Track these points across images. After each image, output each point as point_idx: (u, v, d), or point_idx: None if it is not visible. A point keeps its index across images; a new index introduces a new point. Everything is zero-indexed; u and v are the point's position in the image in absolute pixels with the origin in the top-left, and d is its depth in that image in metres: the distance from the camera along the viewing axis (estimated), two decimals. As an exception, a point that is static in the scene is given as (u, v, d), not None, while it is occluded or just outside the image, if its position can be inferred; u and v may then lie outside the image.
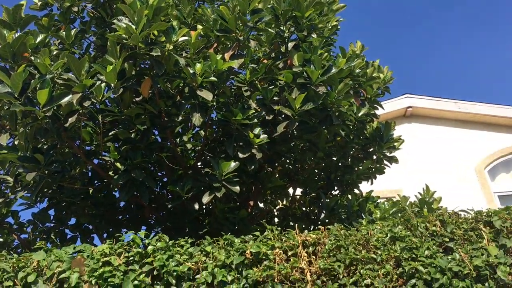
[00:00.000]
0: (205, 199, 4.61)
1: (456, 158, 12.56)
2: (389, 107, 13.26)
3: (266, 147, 5.00)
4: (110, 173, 5.19)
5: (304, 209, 7.06)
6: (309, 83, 4.77)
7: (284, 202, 6.95)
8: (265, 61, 5.43)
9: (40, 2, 5.35)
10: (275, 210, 7.05)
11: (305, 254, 3.62)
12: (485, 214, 3.75)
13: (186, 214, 5.35)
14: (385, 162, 7.62)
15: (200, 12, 5.14)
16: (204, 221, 5.59)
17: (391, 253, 3.56)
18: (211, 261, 3.69)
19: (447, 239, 3.62)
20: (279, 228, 3.87)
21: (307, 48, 4.87)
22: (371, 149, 7.11)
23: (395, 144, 7.88)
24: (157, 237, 3.85)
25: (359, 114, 6.19)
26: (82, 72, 4.12)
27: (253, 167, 4.84)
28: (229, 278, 3.57)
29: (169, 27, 4.20)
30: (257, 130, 4.83)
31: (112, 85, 4.12)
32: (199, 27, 4.92)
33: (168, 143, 5.24)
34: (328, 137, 5.60)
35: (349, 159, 6.85)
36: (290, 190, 6.98)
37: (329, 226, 3.84)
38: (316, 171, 6.97)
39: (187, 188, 4.77)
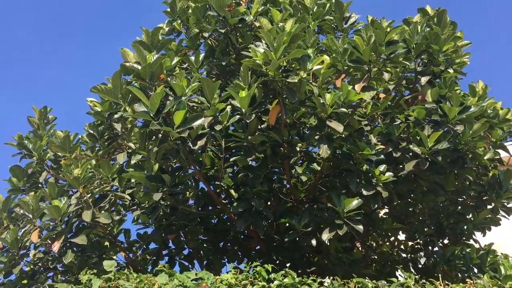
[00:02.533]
0: (325, 236, 4.36)
1: None
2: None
3: (391, 186, 4.69)
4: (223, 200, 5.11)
5: (404, 255, 6.57)
6: (445, 121, 4.44)
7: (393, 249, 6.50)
8: (382, 95, 5.17)
9: (168, 28, 5.51)
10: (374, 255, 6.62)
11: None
12: None
13: (297, 250, 5.11)
14: (502, 213, 6.99)
15: (325, 42, 5.02)
16: (314, 258, 5.32)
17: None
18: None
19: None
20: (418, 276, 3.52)
21: (442, 84, 4.57)
22: (485, 198, 6.54)
23: (517, 194, 7.23)
24: (284, 272, 3.64)
25: (484, 158, 5.71)
26: (214, 95, 4.10)
27: (376, 206, 4.54)
28: (363, 325, 3.26)
29: (305, 55, 4.10)
30: (382, 167, 4.55)
31: (244, 110, 4.04)
32: (326, 57, 4.78)
33: (284, 175, 5.08)
34: (457, 180, 5.17)
35: (459, 206, 6.32)
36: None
37: (478, 281, 3.43)
38: (426, 216, 6.49)
39: (304, 222, 4.55)
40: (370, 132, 4.98)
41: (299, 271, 4.91)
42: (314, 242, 4.56)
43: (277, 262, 5.31)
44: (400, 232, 6.47)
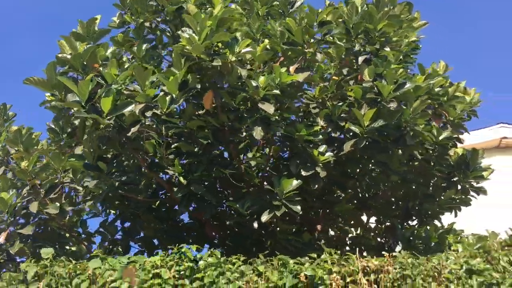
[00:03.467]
0: (264, 217, 4.40)
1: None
2: (479, 137, 12.32)
3: (331, 166, 4.71)
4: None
5: (379, 239, 6.59)
6: (380, 99, 4.45)
7: (358, 231, 6.52)
8: (335, 78, 5.20)
9: (118, 20, 5.56)
10: (347, 239, 6.63)
11: (365, 282, 3.26)
12: None
13: (248, 234, 5.16)
14: (472, 193, 6.99)
15: (269, 27, 5.05)
16: (267, 243, 5.36)
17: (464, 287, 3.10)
18: (262, 282, 3.45)
19: (534, 276, 3.10)
20: (338, 252, 3.56)
21: (379, 62, 4.57)
22: (455, 178, 6.54)
23: (484, 173, 7.22)
24: (209, 252, 3.69)
25: (440, 138, 5.70)
26: (146, 83, 4.15)
27: (316, 186, 4.57)
28: (281, 301, 3.31)
29: (232, 38, 4.13)
30: (322, 148, 4.58)
31: (174, 95, 4.09)
32: (266, 41, 4.81)
33: (233, 160, 5.12)
34: (402, 159, 5.17)
35: (431, 188, 6.32)
36: (364, 218, 6.55)
37: (395, 254, 3.45)
38: (393, 199, 6.50)
39: (247, 205, 4.59)
40: (317, 115, 5.01)
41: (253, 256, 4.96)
42: (256, 224, 4.60)
43: (234, 248, 5.37)
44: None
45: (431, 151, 6.11)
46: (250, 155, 5.34)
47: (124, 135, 4.24)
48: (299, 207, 4.35)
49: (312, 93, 5.09)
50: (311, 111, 5.12)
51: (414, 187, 6.31)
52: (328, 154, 4.56)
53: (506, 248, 5.93)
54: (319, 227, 5.90)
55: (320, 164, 4.53)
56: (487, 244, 3.36)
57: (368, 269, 3.36)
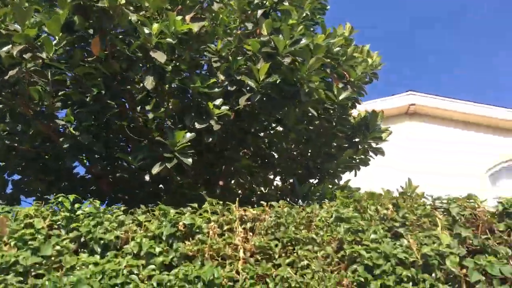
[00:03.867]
0: (155, 169, 4.32)
1: (457, 160, 12.08)
2: (390, 103, 12.87)
3: (231, 121, 4.70)
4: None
5: (285, 198, 6.75)
6: (276, 54, 4.45)
7: (265, 190, 6.64)
8: (238, 32, 5.13)
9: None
10: (255, 197, 6.73)
11: (242, 230, 3.31)
12: (444, 201, 3.40)
13: (144, 188, 5.08)
14: (371, 153, 7.29)
15: (170, -25, 4.84)
16: (163, 197, 5.31)
17: (334, 234, 3.24)
18: (141, 231, 3.41)
19: (397, 224, 3.29)
20: (220, 202, 3.57)
21: (277, 17, 4.55)
22: (356, 139, 6.79)
23: (382, 135, 7.54)
24: (88, 202, 3.58)
25: (340, 98, 5.85)
26: (26, 22, 3.85)
27: (211, 139, 4.54)
28: (157, 249, 3.28)
29: (122, -20, 3.91)
30: (218, 101, 4.54)
31: (56, 37, 3.84)
32: (165, -12, 4.61)
33: (129, 111, 4.96)
34: (298, 116, 5.27)
35: (333, 148, 6.52)
36: (271, 177, 6.67)
37: (272, 203, 3.52)
38: (297, 158, 6.66)
39: (139, 157, 4.49)
40: (218, 69, 4.93)
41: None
42: (147, 177, 4.51)
43: (129, 202, 5.26)
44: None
45: (331, 111, 6.27)
46: (149, 107, 5.19)
47: (2, 78, 3.94)
48: (190, 160, 4.31)
49: (215, 46, 5.00)
50: (212, 65, 5.04)
51: (315, 146, 6.48)
52: (224, 107, 4.53)
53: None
54: (221, 183, 5.92)
55: (215, 118, 4.49)
56: (358, 195, 3.50)
57: (246, 218, 3.41)
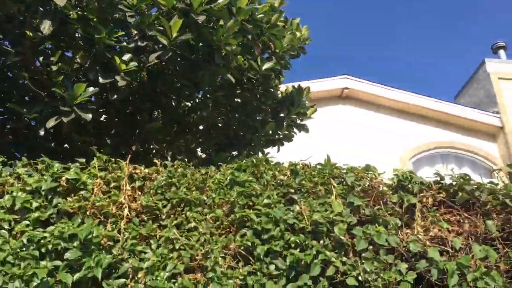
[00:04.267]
0: (50, 123, 4.00)
1: (384, 145, 12.40)
2: (325, 85, 12.98)
3: (140, 79, 4.44)
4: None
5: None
6: (191, 11, 4.22)
7: (188, 160, 6.41)
8: None
9: None
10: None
11: (129, 189, 3.11)
12: (343, 170, 3.36)
13: (42, 143, 4.72)
14: (295, 129, 7.25)
15: None
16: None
17: (226, 198, 3.11)
18: (19, 184, 3.12)
19: (292, 190, 3.21)
20: (112, 159, 3.34)
21: (195, -28, 4.30)
22: (281, 114, 6.72)
23: (308, 112, 7.52)
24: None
25: (263, 68, 5.71)
26: None
27: (115, 96, 4.27)
28: (34, 204, 3.02)
29: None
30: (126, 57, 4.26)
31: None
32: None
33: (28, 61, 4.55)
34: (215, 81, 5.09)
35: (255, 121, 6.41)
36: (193, 146, 6.48)
37: (166, 162, 3.34)
38: (220, 128, 6.49)
39: (35, 110, 4.15)
40: (132, 25, 4.63)
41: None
42: (42, 132, 4.18)
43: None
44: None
45: (254, 82, 6.14)
46: (54, 59, 4.80)
47: None
48: (90, 115, 4.02)
49: (131, 0, 4.68)
50: (127, 20, 4.73)
51: (237, 117, 6.35)
52: (132, 64, 4.26)
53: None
54: (133, 148, 5.66)
55: (122, 74, 4.22)
56: (257, 159, 3.39)
57: (136, 176, 3.21)
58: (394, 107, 13.05)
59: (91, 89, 4.08)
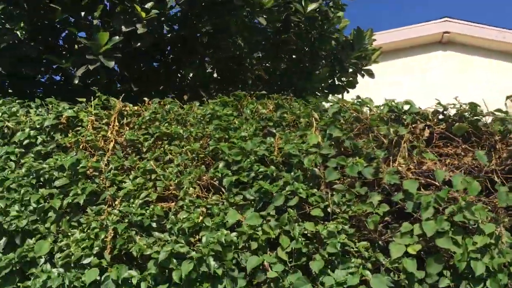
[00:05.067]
0: (79, 72, 4.36)
1: (490, 92, 11.18)
2: (422, 31, 12.00)
3: (158, 26, 4.58)
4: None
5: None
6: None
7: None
8: None
9: None
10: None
11: (117, 124, 3.30)
12: (331, 102, 3.18)
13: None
14: (359, 75, 6.97)
15: None
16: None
17: (205, 131, 3.15)
18: (31, 123, 3.49)
19: (271, 123, 3.13)
20: (113, 98, 3.55)
21: None
22: (340, 58, 6.53)
23: (372, 56, 7.15)
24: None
25: (308, 9, 5.53)
26: None
27: (139, 44, 4.48)
28: (39, 140, 3.37)
29: None
30: (148, 4, 4.42)
31: None
32: None
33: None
34: (247, 25, 5.04)
35: (307, 68, 6.30)
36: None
37: (155, 99, 3.46)
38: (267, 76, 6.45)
39: (71, 60, 4.53)
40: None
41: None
42: (76, 80, 4.54)
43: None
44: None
45: (302, 25, 5.97)
46: (96, 13, 5.13)
47: None
48: (112, 63, 4.29)
49: None
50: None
51: (285, 63, 6.28)
52: (154, 11, 4.41)
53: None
54: (185, 97, 5.89)
55: (144, 21, 4.40)
56: (240, 94, 3.35)
57: (125, 112, 3.39)
58: (505, 50, 11.56)
59: (116, 37, 4.32)
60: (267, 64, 6.22)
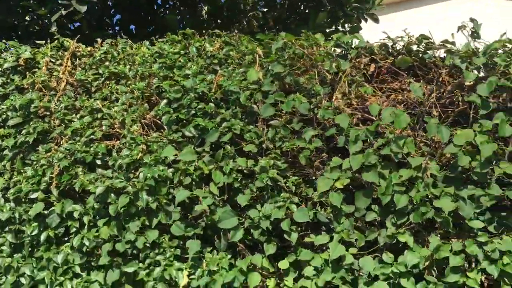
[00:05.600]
0: (54, 17, 4.40)
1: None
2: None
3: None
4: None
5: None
6: None
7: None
8: None
9: None
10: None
11: (70, 65, 3.33)
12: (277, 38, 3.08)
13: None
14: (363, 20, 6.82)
15: None
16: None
17: (151, 70, 3.14)
18: (-5, 66, 3.57)
19: (216, 61, 3.09)
20: (68, 40, 3.57)
21: None
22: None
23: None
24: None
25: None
26: None
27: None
28: (0, 82, 3.46)
29: None
30: None
31: None
32: None
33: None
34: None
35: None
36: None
37: (108, 40, 3.46)
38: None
39: (49, 6, 4.57)
40: None
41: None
42: (53, 28, 4.58)
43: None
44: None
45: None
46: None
47: None
48: (84, 7, 4.32)
49: None
50: None
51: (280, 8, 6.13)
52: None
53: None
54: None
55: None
56: (189, 31, 3.30)
57: (78, 53, 3.41)
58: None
59: (88, -18, 4.32)
60: (262, 10, 6.08)
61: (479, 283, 2.22)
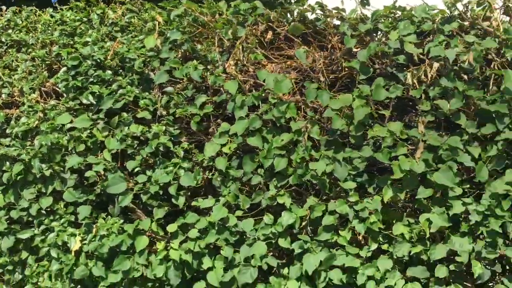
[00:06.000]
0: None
1: None
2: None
3: None
4: None
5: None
6: None
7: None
8: None
9: None
10: None
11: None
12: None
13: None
14: None
15: None
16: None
17: (53, 38, 3.10)
18: None
19: (117, 28, 3.07)
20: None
21: None
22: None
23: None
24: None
25: None
26: None
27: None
28: None
29: None
30: None
31: None
32: None
33: None
34: None
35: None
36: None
37: (12, 8, 3.40)
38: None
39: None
40: None
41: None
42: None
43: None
44: None
45: None
46: None
47: None
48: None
49: None
50: None
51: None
52: None
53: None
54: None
55: None
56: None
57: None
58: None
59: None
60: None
61: (348, 240, 2.30)
